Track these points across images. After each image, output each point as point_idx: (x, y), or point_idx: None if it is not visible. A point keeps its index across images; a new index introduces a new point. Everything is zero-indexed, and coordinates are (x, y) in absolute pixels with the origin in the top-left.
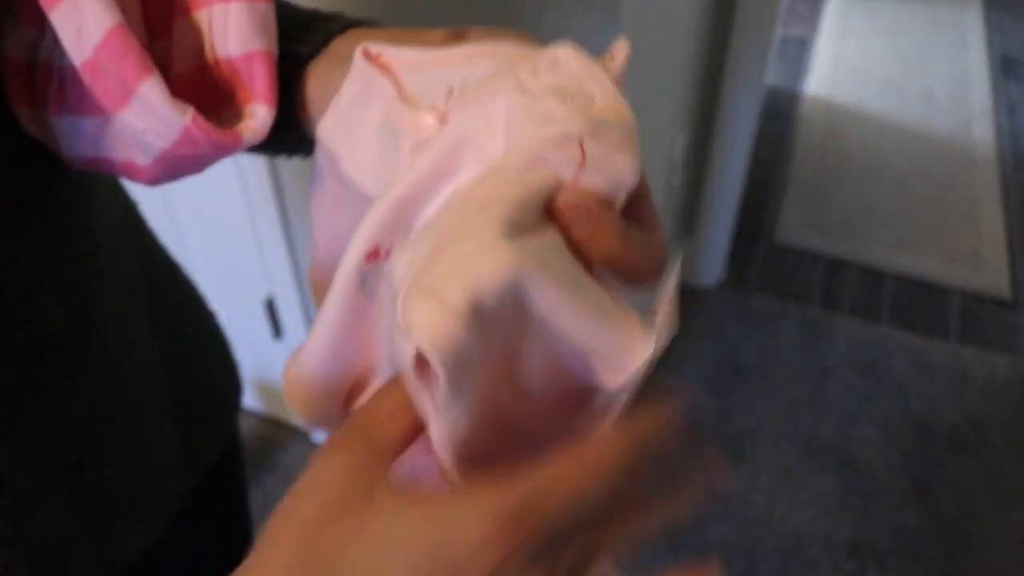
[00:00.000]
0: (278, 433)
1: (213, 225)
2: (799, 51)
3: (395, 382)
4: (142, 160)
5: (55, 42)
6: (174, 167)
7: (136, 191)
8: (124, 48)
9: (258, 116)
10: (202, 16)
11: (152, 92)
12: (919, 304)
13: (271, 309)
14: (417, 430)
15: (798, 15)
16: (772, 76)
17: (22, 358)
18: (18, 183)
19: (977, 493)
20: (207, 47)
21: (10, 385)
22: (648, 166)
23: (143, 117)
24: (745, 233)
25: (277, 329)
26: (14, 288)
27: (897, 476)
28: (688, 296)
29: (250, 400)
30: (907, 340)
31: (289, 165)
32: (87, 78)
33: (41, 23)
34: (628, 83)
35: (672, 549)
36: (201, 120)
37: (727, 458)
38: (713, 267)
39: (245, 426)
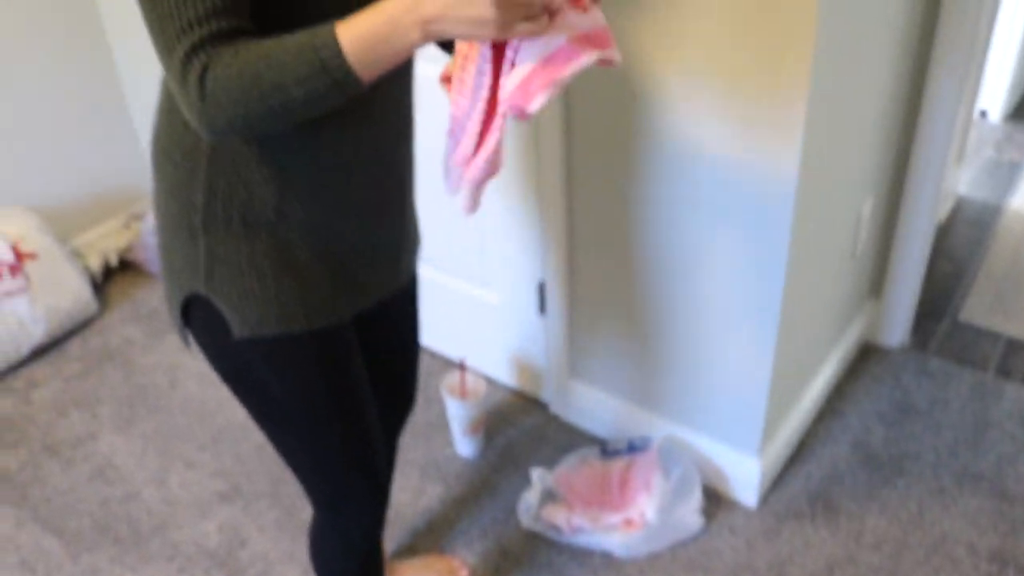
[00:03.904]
0: (524, 403)
1: (510, 216)
2: (1010, 173)
3: None
4: None
5: None
6: None
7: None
8: None
9: None
10: None
11: None
12: None
13: (541, 291)
14: None
15: (1015, 143)
16: (979, 191)
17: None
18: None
19: None
20: None
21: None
22: (835, 227)
23: None
24: (932, 312)
25: (543, 308)
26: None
27: None
28: (871, 352)
29: (506, 376)
30: None
31: (583, 180)
32: None
33: None
34: (819, 139)
35: (832, 528)
36: None
37: (888, 473)
38: (896, 331)
39: (499, 396)
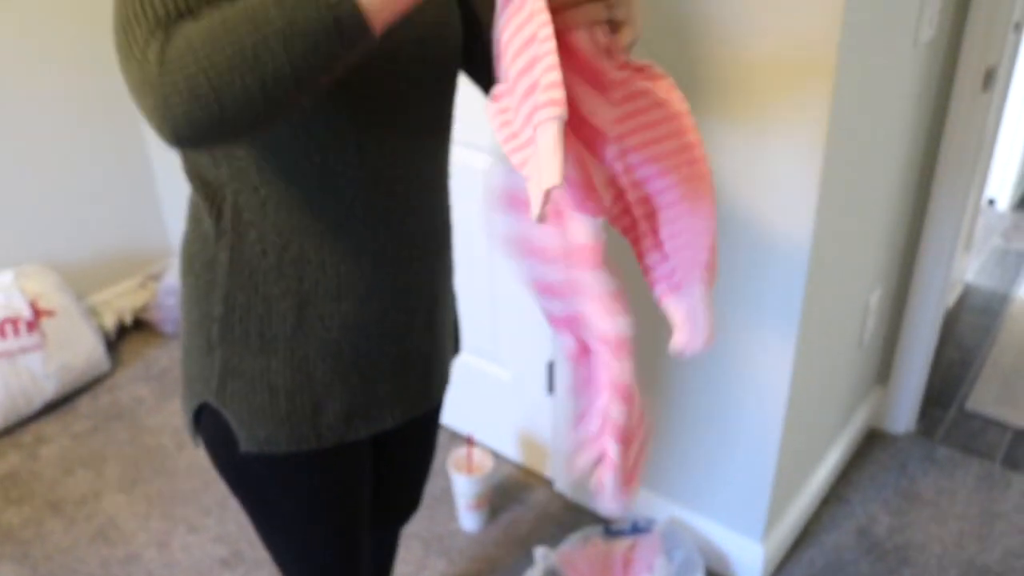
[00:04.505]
0: (529, 479)
1: (522, 294)
2: (1018, 262)
3: None
4: None
5: None
6: None
7: (475, 276)
8: None
9: None
10: None
11: None
12: None
13: (550, 370)
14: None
15: (1022, 231)
16: (987, 280)
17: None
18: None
19: None
20: None
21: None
22: (844, 316)
23: None
24: (939, 400)
25: (551, 387)
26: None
27: None
28: (876, 438)
29: (513, 451)
30: None
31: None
32: None
33: None
34: (829, 231)
35: None
36: None
37: (892, 563)
38: (903, 418)
39: (505, 471)
